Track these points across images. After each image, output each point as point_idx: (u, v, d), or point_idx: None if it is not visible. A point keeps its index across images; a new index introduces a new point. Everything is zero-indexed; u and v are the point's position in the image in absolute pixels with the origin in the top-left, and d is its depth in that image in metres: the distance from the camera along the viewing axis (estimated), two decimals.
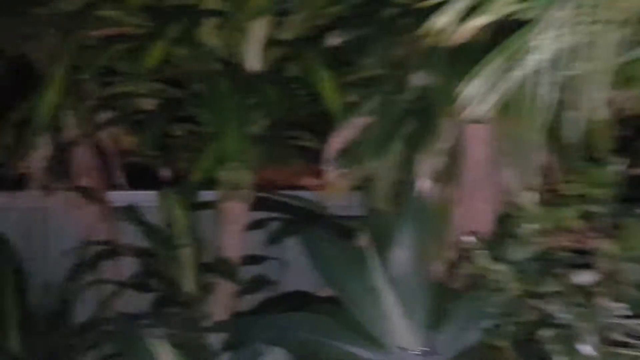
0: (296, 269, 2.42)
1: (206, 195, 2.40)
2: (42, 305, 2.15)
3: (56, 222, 2.35)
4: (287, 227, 2.00)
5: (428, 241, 1.71)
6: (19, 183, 2.19)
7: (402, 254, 1.73)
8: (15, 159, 2.05)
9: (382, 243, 1.75)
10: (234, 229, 2.05)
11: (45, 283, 2.27)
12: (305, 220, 2.04)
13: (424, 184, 1.63)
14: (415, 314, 1.69)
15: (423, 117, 1.73)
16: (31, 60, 2.20)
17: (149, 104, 2.17)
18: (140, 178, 2.29)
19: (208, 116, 1.88)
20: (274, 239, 1.98)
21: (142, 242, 2.30)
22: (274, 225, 2.38)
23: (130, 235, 2.28)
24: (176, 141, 2.13)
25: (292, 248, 2.45)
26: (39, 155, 2.13)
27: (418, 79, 1.73)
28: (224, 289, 2.11)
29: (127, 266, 2.24)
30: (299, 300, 2.09)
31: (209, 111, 1.79)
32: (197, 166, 1.71)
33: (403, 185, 1.78)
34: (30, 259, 2.33)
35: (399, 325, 1.67)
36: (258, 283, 2.30)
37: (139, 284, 2.14)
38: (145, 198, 2.36)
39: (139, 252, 2.26)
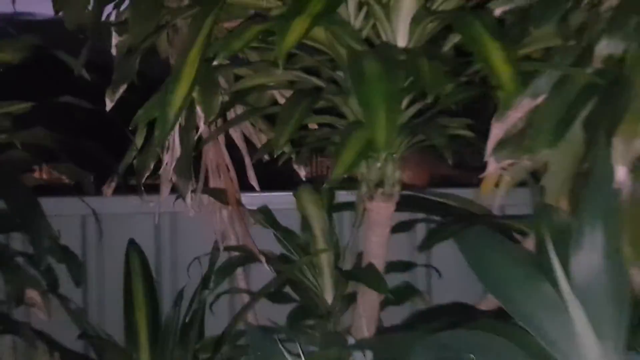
0: (446, 277, 2.16)
1: (345, 195, 2.21)
2: (172, 317, 2.00)
3: (186, 226, 2.21)
4: (440, 230, 1.74)
5: (621, 243, 1.40)
6: (149, 186, 2.06)
7: (587, 260, 1.42)
8: (144, 160, 1.91)
9: (561, 247, 1.46)
10: (377, 232, 1.81)
11: (176, 292, 2.13)
12: (461, 221, 1.78)
13: (618, 173, 1.33)
14: (608, 333, 1.38)
15: (611, 93, 1.44)
16: (159, 56, 2.08)
17: (283, 96, 1.99)
18: (273, 178, 2.10)
19: (352, 105, 1.66)
20: (427, 243, 1.73)
21: (275, 247, 2.13)
22: (424, 227, 2.15)
23: (263, 240, 2.10)
24: (312, 136, 1.92)
25: (440, 254, 2.22)
26: (169, 156, 1.98)
27: (604, 47, 1.43)
28: (368, 299, 1.88)
29: (260, 274, 2.04)
30: (458, 315, 1.83)
31: (353, 99, 1.57)
32: (338, 162, 1.48)
33: (584, 177, 1.49)
34: (160, 266, 2.21)
35: (589, 346, 1.37)
36: (405, 293, 2.06)
37: (274, 294, 1.95)
38: (279, 200, 2.18)
39: (273, 259, 2.08)
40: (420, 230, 2.28)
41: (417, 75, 1.42)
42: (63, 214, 2.13)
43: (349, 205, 2.14)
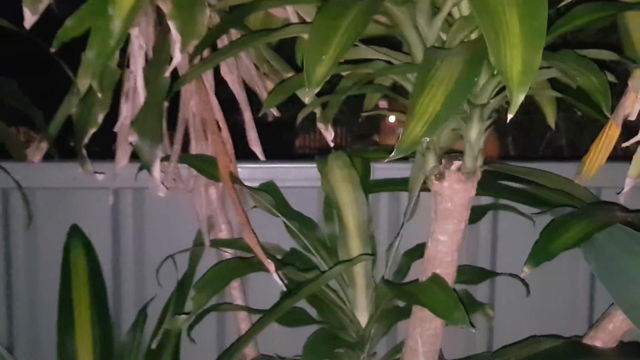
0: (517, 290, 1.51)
1: (383, 169, 1.54)
2: (131, 342, 1.36)
3: (157, 209, 1.53)
4: (563, 228, 1.08)
5: None
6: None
7: None
8: (88, 111, 1.25)
9: None
10: (448, 228, 1.17)
11: (139, 306, 1.48)
12: (582, 215, 1.12)
13: None
14: None
15: None
16: None
17: (303, 19, 1.33)
18: (286, 143, 1.43)
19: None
20: (542, 252, 1.06)
21: (288, 243, 1.48)
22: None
23: (265, 229, 1.44)
24: (349, 78, 1.27)
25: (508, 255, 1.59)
26: (128, 105, 1.32)
27: None
28: (429, 327, 1.24)
29: (259, 279, 1.38)
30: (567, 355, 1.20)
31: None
32: (414, 111, 0.84)
33: None
34: (118, 267, 1.54)
35: None
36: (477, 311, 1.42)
37: (288, 315, 1.29)
38: (291, 174, 1.52)
39: (284, 260, 1.43)
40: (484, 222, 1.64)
41: None
42: None
43: (401, 183, 1.48)
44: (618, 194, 1.22)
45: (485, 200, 1.56)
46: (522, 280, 1.38)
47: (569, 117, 2.75)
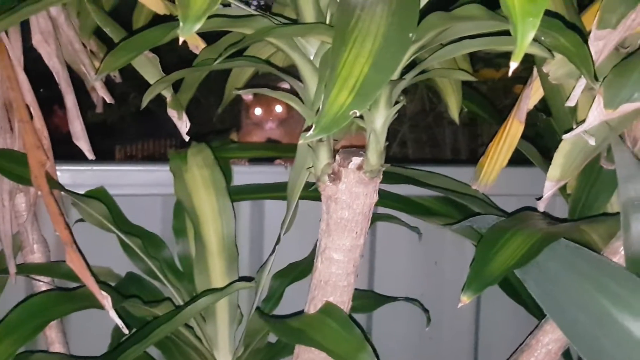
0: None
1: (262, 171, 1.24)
2: None
3: None
4: (498, 237, 0.83)
5: None
6: None
7: None
8: None
9: None
10: (344, 244, 0.91)
11: None
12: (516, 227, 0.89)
13: None
14: None
15: None
16: None
17: None
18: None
19: None
20: (487, 274, 0.79)
21: (121, 267, 1.13)
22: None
23: (95, 251, 1.09)
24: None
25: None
26: None
27: None
28: None
29: (92, 316, 1.01)
30: None
31: None
32: (334, 81, 0.56)
33: None
34: None
35: None
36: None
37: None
38: (127, 178, 1.17)
39: (119, 289, 1.08)
40: None
41: None
42: None
43: (259, 191, 1.19)
44: (538, 199, 1.01)
45: None
46: (422, 305, 1.15)
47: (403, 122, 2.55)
